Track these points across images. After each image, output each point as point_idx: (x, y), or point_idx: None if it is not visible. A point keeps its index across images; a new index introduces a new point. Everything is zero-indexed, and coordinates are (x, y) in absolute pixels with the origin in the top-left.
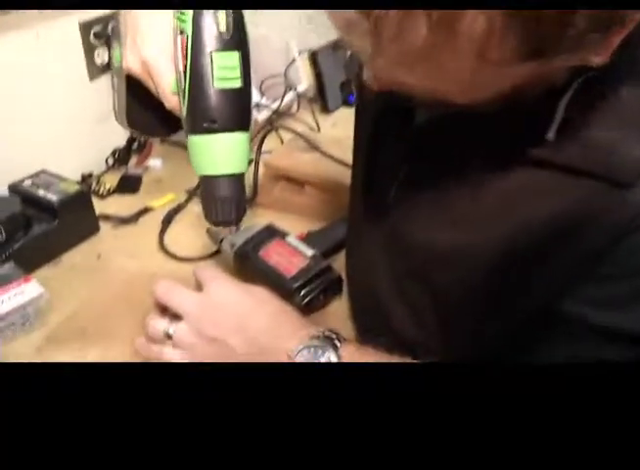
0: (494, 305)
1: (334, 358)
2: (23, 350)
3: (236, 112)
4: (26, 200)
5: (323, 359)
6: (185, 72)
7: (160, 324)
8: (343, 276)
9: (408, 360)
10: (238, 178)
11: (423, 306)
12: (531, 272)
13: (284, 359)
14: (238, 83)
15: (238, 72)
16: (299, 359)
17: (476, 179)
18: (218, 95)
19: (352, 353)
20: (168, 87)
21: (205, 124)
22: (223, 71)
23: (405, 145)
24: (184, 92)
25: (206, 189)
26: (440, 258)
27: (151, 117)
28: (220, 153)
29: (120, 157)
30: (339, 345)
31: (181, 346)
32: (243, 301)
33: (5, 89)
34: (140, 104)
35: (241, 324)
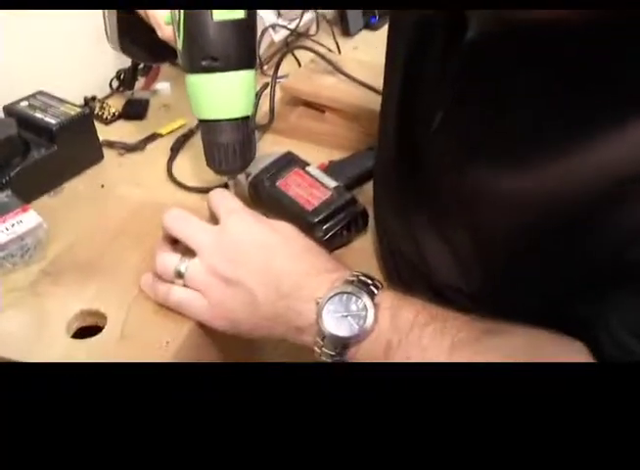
0: (558, 255)
1: (370, 306)
2: (21, 283)
3: (239, 47)
4: (23, 123)
5: (356, 307)
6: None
7: (171, 260)
8: (369, 211)
9: (446, 309)
10: (242, 122)
11: (466, 253)
12: (604, 218)
13: (311, 307)
14: (240, 14)
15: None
16: (329, 307)
17: (545, 109)
18: (218, 28)
19: (390, 301)
20: (161, 17)
21: (203, 63)
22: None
23: (455, 63)
24: (179, 24)
25: (207, 134)
26: (495, 199)
27: (145, 43)
28: (222, 95)
29: (126, 79)
30: (375, 291)
31: (194, 285)
32: (265, 238)
33: None
34: (132, 30)
35: (263, 265)
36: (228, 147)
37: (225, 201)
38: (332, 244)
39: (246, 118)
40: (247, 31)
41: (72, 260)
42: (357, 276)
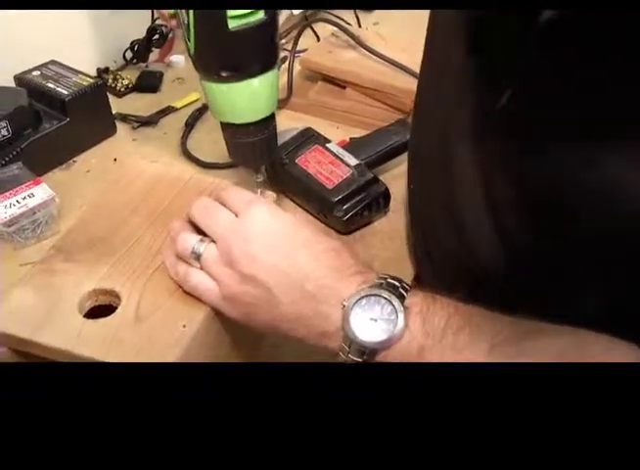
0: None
1: (400, 310)
2: (33, 259)
3: (261, 51)
4: (34, 93)
5: (386, 311)
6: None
7: (190, 240)
8: (391, 190)
9: (483, 310)
10: (266, 121)
11: (525, 245)
12: None
13: (337, 310)
14: (260, 14)
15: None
16: (357, 311)
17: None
18: (235, 37)
19: (421, 304)
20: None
21: (223, 73)
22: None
23: (531, 38)
24: (187, 27)
25: (229, 135)
26: (574, 190)
27: None
28: (245, 101)
29: (140, 50)
30: (405, 294)
31: (208, 271)
32: (288, 232)
33: None
34: None
35: (284, 261)
36: (253, 146)
37: (242, 193)
38: (352, 224)
39: (269, 117)
40: (267, 32)
41: (85, 237)
42: (385, 279)
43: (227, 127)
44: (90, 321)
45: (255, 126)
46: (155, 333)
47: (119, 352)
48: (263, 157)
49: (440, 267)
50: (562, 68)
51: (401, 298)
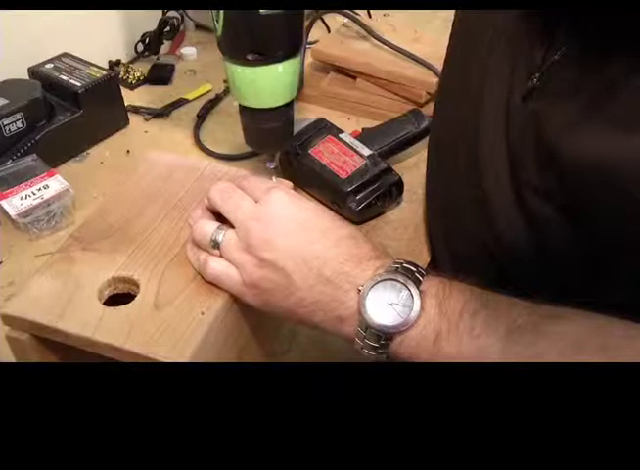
0: None
1: (416, 295)
2: (48, 248)
3: (287, 38)
4: (48, 85)
5: (402, 296)
6: None
7: (209, 228)
8: (404, 180)
9: (500, 294)
10: (285, 108)
11: (557, 232)
12: None
13: (353, 295)
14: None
15: None
16: (373, 296)
17: None
18: (266, 21)
19: (437, 289)
20: None
21: (249, 56)
22: None
23: (566, 20)
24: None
25: (249, 119)
26: (589, 174)
27: None
28: (268, 86)
29: (151, 43)
30: (421, 279)
31: (228, 258)
32: (307, 218)
33: None
34: None
35: (302, 246)
36: (270, 131)
37: (262, 181)
38: (365, 214)
39: (288, 104)
40: (296, 19)
41: (103, 226)
42: (401, 263)
43: (247, 111)
44: (109, 309)
45: (275, 112)
46: (173, 320)
47: (138, 340)
48: (280, 143)
49: (462, 256)
50: (602, 46)
51: (417, 282)
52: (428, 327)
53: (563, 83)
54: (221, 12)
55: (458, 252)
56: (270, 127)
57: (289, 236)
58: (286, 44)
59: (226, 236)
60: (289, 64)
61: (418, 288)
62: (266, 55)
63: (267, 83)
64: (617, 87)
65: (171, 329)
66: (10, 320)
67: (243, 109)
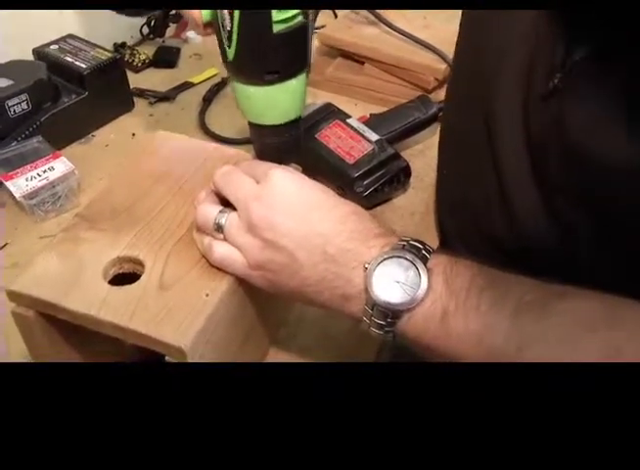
0: None
1: (423, 272)
2: (53, 231)
3: (299, 54)
4: (53, 67)
5: (408, 273)
6: (232, 14)
7: (212, 212)
8: (412, 167)
9: (508, 272)
10: (296, 122)
11: (580, 234)
12: None
13: (359, 273)
14: (299, 18)
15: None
16: (379, 273)
17: None
18: (280, 40)
19: (444, 266)
20: (199, 17)
21: (267, 77)
22: (282, 13)
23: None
24: (230, 34)
25: (258, 136)
26: (617, 175)
27: None
28: (280, 103)
29: (157, 26)
30: (428, 256)
31: (232, 241)
32: (311, 196)
33: None
34: None
35: (306, 225)
36: (280, 145)
37: (263, 163)
38: (372, 200)
39: (299, 118)
40: (305, 35)
41: (109, 207)
42: (407, 241)
43: (256, 127)
44: (114, 288)
45: (285, 127)
46: (178, 301)
47: (142, 319)
48: (287, 156)
49: (477, 252)
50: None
51: (424, 259)
52: (435, 305)
53: (586, 84)
54: (235, 35)
55: (474, 249)
56: (279, 141)
57: (290, 215)
58: (298, 61)
59: (229, 219)
60: (300, 78)
61: (425, 265)
62: (281, 73)
63: (280, 100)
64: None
65: (175, 310)
66: (15, 297)
67: (252, 125)
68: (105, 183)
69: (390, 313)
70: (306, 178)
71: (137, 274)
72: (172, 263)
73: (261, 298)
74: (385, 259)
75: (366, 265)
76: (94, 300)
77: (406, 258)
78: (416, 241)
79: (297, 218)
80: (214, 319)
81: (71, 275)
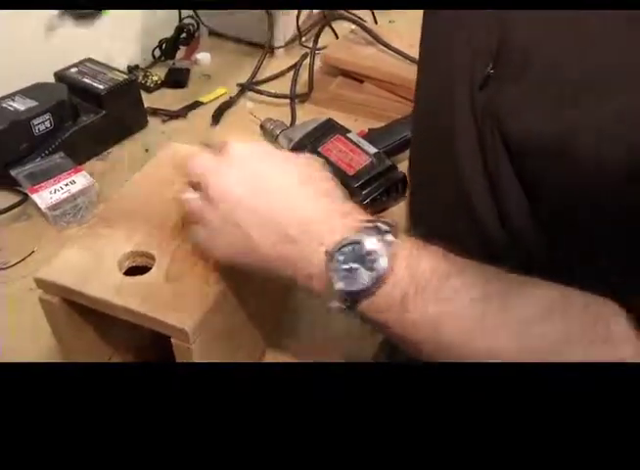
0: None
1: (384, 256)
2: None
3: None
4: (73, 88)
5: (369, 257)
6: None
7: (187, 197)
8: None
9: (474, 261)
10: None
11: (520, 213)
12: None
13: (320, 258)
14: None
15: None
16: (339, 258)
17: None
18: None
19: (409, 250)
20: None
21: None
22: None
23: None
24: None
25: None
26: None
27: None
28: None
29: (167, 48)
30: (392, 239)
31: (198, 219)
32: (273, 171)
33: None
34: None
35: (264, 202)
36: None
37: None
38: (371, 208)
39: None
40: None
41: (125, 208)
42: (374, 222)
43: None
44: (128, 278)
45: None
46: (183, 290)
47: (151, 305)
48: None
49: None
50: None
51: (387, 243)
52: (395, 288)
53: (510, 68)
54: None
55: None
56: None
57: (249, 185)
58: None
59: (194, 200)
60: None
61: (388, 249)
62: None
63: None
64: (563, 66)
65: (180, 298)
66: (43, 284)
67: None
68: (123, 187)
69: (349, 299)
70: (272, 152)
71: (148, 267)
72: (179, 258)
73: (260, 289)
74: (346, 244)
75: (327, 249)
76: (110, 287)
77: (368, 242)
78: (383, 222)
79: (254, 191)
80: (215, 307)
81: (91, 266)
